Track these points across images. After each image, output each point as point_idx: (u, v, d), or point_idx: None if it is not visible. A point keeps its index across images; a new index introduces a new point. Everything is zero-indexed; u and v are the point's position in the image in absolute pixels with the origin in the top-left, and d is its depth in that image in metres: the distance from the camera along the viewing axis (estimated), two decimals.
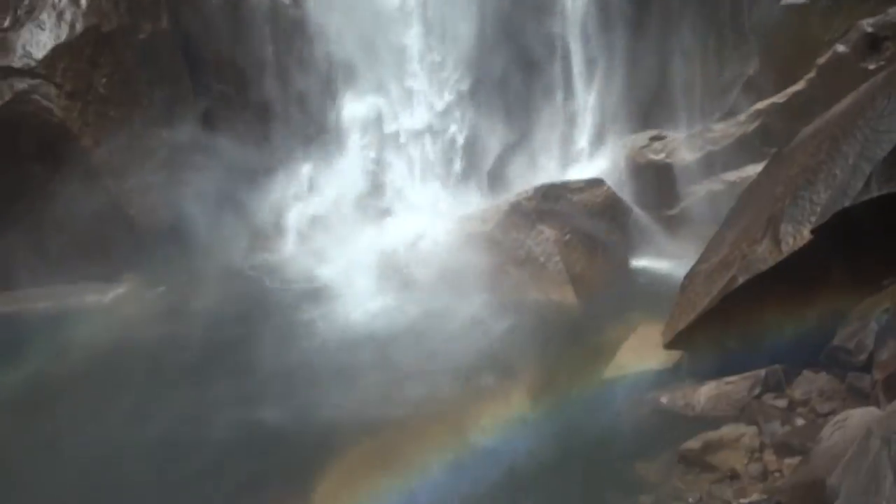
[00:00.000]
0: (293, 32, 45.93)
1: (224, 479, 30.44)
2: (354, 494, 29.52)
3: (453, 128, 44.96)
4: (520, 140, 45.28)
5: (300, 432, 32.05)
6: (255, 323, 40.00)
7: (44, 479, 30.76)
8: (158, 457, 31.22)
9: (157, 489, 29.90)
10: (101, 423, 32.94)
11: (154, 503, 29.49)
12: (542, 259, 39.54)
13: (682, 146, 42.88)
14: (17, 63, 41.61)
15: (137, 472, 30.61)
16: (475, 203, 44.19)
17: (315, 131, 46.89)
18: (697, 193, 42.82)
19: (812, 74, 39.44)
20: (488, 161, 45.43)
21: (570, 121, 44.73)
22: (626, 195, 42.97)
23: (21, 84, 41.62)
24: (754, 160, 40.35)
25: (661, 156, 43.07)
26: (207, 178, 43.30)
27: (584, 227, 40.19)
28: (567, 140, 44.83)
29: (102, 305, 42.51)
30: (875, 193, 28.04)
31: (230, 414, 33.16)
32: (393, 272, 41.13)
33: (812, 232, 29.27)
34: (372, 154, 46.11)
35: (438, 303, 38.93)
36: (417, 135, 45.52)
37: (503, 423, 32.06)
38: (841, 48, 38.45)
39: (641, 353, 33.21)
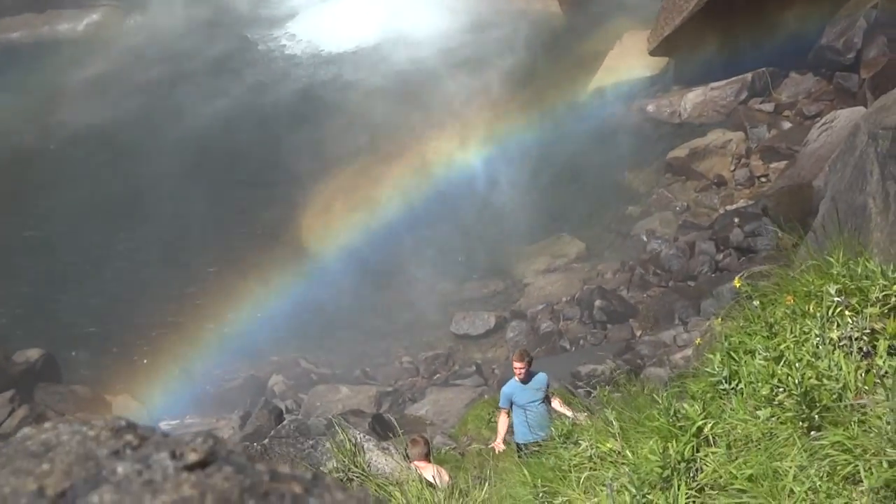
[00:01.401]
0: None
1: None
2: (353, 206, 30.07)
3: None
4: None
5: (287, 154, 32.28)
6: (244, 51, 39.36)
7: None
8: (147, 197, 31.48)
9: (151, 225, 30.38)
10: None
11: (158, 235, 30.10)
12: None
13: None
14: None
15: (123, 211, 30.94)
16: None
17: None
18: None
19: None
20: None
21: None
22: None
23: None
24: None
25: None
26: None
27: None
28: None
29: (76, 34, 41.55)
30: None
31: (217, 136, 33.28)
32: None
33: None
34: None
35: (421, 16, 38.10)
36: None
37: (495, 134, 32.05)
38: None
39: (627, 61, 32.84)
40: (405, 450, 11.21)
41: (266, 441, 10.60)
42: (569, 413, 12.62)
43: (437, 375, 25.60)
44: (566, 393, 19.40)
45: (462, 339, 26.53)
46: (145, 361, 26.73)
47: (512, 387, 13.06)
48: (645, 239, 27.30)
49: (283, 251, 28.95)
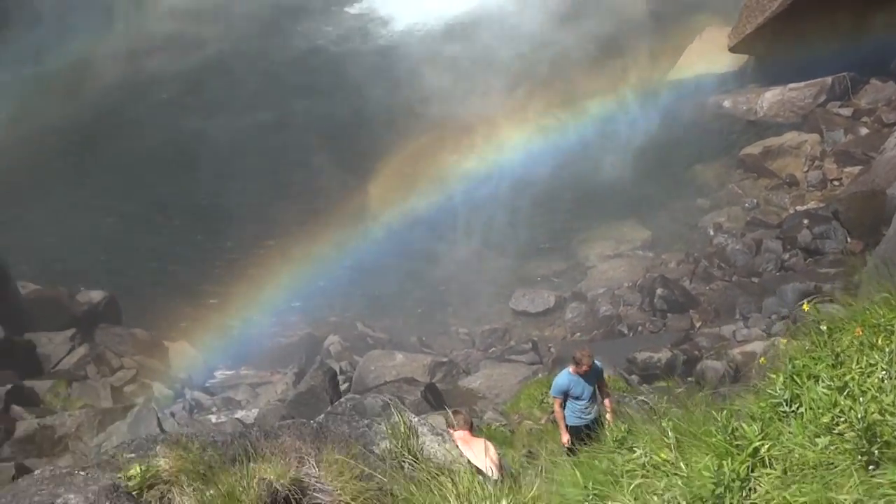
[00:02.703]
0: None
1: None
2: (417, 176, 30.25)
3: None
4: None
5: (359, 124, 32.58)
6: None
7: None
8: (217, 145, 31.99)
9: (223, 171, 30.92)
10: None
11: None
12: None
13: None
14: None
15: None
16: None
17: None
18: None
19: None
20: None
21: None
22: None
23: None
24: None
25: None
26: None
27: None
28: None
29: None
30: None
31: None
32: None
33: None
34: None
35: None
36: None
37: (571, 117, 32.07)
38: None
39: (706, 56, 32.49)
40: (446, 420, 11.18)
41: (321, 417, 10.75)
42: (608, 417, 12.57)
43: (493, 349, 25.73)
44: (620, 379, 19.49)
45: (520, 316, 26.67)
46: (206, 310, 27.11)
47: (566, 378, 12.95)
48: (711, 232, 27.22)
49: (350, 216, 29.22)
